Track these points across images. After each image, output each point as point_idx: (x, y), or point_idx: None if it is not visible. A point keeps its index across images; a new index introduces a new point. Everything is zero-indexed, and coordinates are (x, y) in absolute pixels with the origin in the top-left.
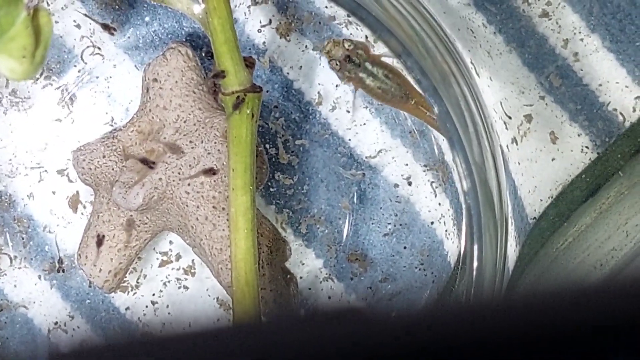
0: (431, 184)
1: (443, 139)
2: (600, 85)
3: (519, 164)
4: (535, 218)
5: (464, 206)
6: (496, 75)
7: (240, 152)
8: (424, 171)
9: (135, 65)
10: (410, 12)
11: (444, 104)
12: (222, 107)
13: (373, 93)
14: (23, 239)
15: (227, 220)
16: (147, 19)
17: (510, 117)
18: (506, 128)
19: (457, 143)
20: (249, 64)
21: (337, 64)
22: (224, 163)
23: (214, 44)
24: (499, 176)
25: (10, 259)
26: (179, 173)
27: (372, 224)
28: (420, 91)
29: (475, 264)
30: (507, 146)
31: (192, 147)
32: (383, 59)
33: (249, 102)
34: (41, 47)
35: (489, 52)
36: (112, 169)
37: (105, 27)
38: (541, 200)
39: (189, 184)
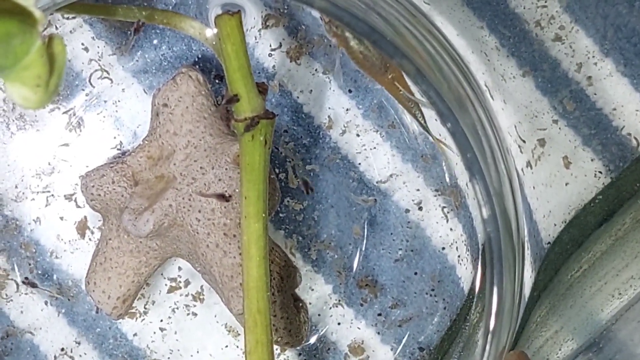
0: (442, 209)
1: (457, 163)
2: (614, 109)
3: (533, 188)
4: (549, 243)
5: (483, 234)
6: (510, 99)
7: (252, 180)
8: (435, 196)
9: (144, 89)
10: (424, 34)
11: (462, 130)
12: (233, 133)
13: (354, 56)
14: (30, 264)
15: (239, 247)
16: (155, 42)
17: (524, 141)
18: (521, 152)
19: (476, 171)
20: (261, 89)
21: (327, 17)
22: (235, 189)
23: (227, 70)
24: (515, 201)
25: (17, 284)
26: (189, 200)
27: (383, 249)
28: (436, 113)
29: (495, 291)
30: (522, 170)
31: (203, 173)
32: None
33: (262, 128)
34: (55, 76)
35: (503, 76)
36: (122, 195)
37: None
38: (555, 225)
39: (199, 211)
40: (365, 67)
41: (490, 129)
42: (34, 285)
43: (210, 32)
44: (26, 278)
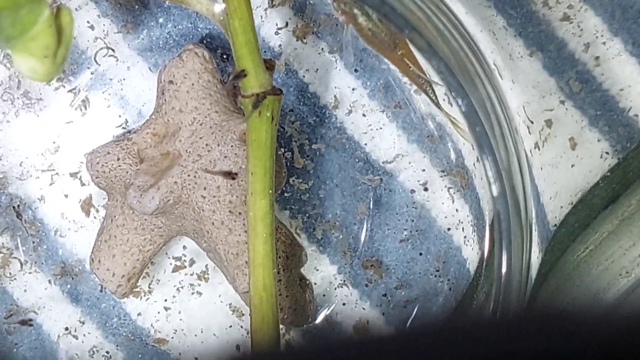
0: (448, 190)
1: (464, 143)
2: (621, 90)
3: (541, 169)
4: (556, 225)
5: (492, 212)
6: (518, 79)
7: (259, 156)
8: (441, 177)
9: (149, 67)
10: (434, 11)
11: (472, 106)
12: (239, 110)
13: (362, 33)
14: (34, 243)
15: (244, 224)
16: (161, 20)
17: (532, 122)
18: (529, 132)
19: (486, 147)
20: (269, 66)
21: None
22: (241, 167)
23: (234, 46)
24: (524, 181)
25: (21, 263)
26: (195, 177)
27: (388, 230)
28: (446, 88)
29: (503, 270)
30: (530, 151)
31: (209, 150)
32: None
33: (269, 104)
34: (63, 47)
35: (511, 55)
36: (127, 172)
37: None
38: (562, 207)
39: (204, 188)
40: (374, 44)
41: (499, 107)
42: (19, 216)
43: (217, 7)
44: (14, 207)
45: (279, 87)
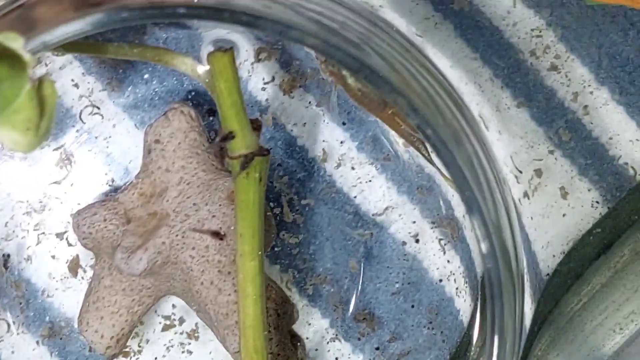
0: (439, 241)
1: (453, 195)
2: (610, 138)
3: (531, 218)
4: (548, 274)
5: (481, 268)
6: (505, 129)
7: (247, 217)
8: (432, 228)
9: (135, 124)
10: (417, 68)
11: (459, 167)
12: (227, 169)
13: (352, 94)
14: (21, 303)
15: (233, 284)
16: (146, 76)
17: (520, 172)
18: (517, 182)
19: (474, 206)
20: (255, 126)
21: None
22: (230, 226)
23: (220, 107)
24: (513, 232)
25: (8, 324)
26: (182, 237)
27: (379, 282)
28: (429, 147)
29: (496, 324)
30: (520, 200)
31: (197, 210)
32: None
33: (257, 165)
34: (46, 119)
35: (497, 106)
36: (114, 233)
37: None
38: (554, 256)
39: (193, 248)
40: (363, 104)
41: (485, 160)
42: (6, 267)
43: (202, 68)
44: (3, 255)
45: (267, 141)
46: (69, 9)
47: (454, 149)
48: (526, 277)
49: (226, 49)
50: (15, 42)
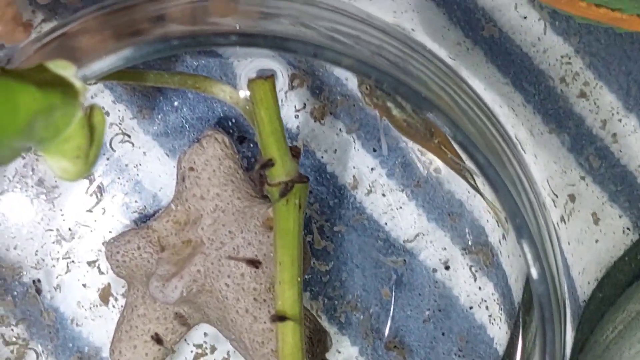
0: (470, 268)
1: (488, 220)
2: (639, 166)
3: (569, 244)
4: (585, 301)
5: (521, 290)
6: (540, 154)
7: (287, 245)
8: (463, 255)
9: (165, 152)
10: (454, 89)
11: (506, 189)
12: (262, 196)
13: (397, 125)
14: (50, 332)
15: (269, 312)
16: (176, 104)
17: (557, 196)
18: (555, 206)
19: (524, 230)
20: (295, 153)
21: (367, 88)
22: (265, 254)
23: (260, 135)
24: (556, 258)
25: (37, 354)
26: (218, 265)
27: (410, 310)
28: (475, 169)
29: (547, 353)
30: (557, 224)
31: (232, 238)
32: None
33: (296, 192)
34: (94, 147)
35: (531, 131)
36: (148, 261)
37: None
38: (589, 282)
39: (228, 276)
40: (409, 135)
41: (527, 184)
42: (38, 292)
43: (242, 95)
44: (34, 281)
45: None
46: (110, 39)
47: (501, 172)
48: (567, 303)
49: (267, 76)
50: (67, 70)
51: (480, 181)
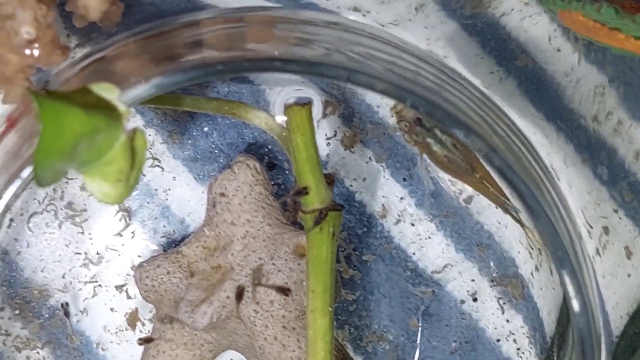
0: (498, 300)
1: (519, 252)
2: None
3: (603, 277)
4: (617, 336)
5: (553, 323)
6: (574, 184)
7: (320, 272)
8: (491, 286)
9: (195, 177)
10: (489, 114)
11: (548, 219)
12: (292, 223)
13: (438, 161)
14: (75, 356)
15: (298, 340)
16: (206, 129)
17: (591, 227)
18: (590, 237)
19: (566, 261)
20: (329, 181)
21: (406, 125)
22: (295, 281)
23: (295, 162)
24: (592, 291)
25: None
26: (247, 291)
27: (437, 341)
28: (514, 197)
29: None
30: (592, 257)
31: (262, 264)
32: None
33: (330, 220)
34: (135, 170)
35: (564, 160)
36: (177, 286)
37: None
38: (621, 317)
39: (257, 303)
40: (450, 170)
41: (564, 212)
42: (67, 314)
43: (277, 123)
44: (62, 305)
45: None
46: (148, 63)
47: (540, 200)
48: (602, 338)
49: (304, 103)
50: (111, 93)
51: (522, 215)
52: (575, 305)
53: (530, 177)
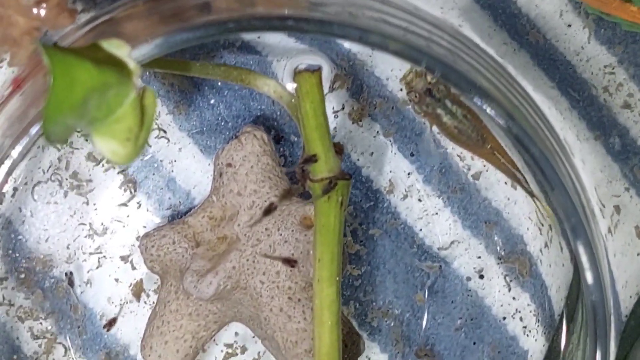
0: (505, 277)
1: (528, 228)
2: None
3: (614, 256)
4: (626, 316)
5: (562, 301)
6: (587, 160)
7: (327, 242)
8: (498, 264)
9: (200, 149)
10: (504, 84)
11: (563, 187)
12: (298, 194)
13: (448, 132)
14: (79, 327)
15: (303, 311)
16: (212, 101)
17: (604, 205)
18: (602, 216)
19: (580, 232)
20: (338, 150)
21: (416, 96)
22: (301, 252)
23: (304, 129)
24: (603, 268)
25: (65, 348)
26: (253, 262)
27: (442, 318)
28: (531, 164)
29: None
30: (605, 236)
31: (268, 235)
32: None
33: (339, 189)
34: (144, 130)
35: (577, 136)
36: (183, 256)
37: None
38: (630, 296)
39: (263, 273)
40: (461, 142)
41: (579, 187)
42: (71, 284)
43: (286, 91)
44: (66, 274)
45: None
46: (157, 24)
47: (557, 171)
48: (612, 317)
49: (314, 70)
50: (122, 50)
51: (534, 186)
52: (589, 277)
53: (546, 148)
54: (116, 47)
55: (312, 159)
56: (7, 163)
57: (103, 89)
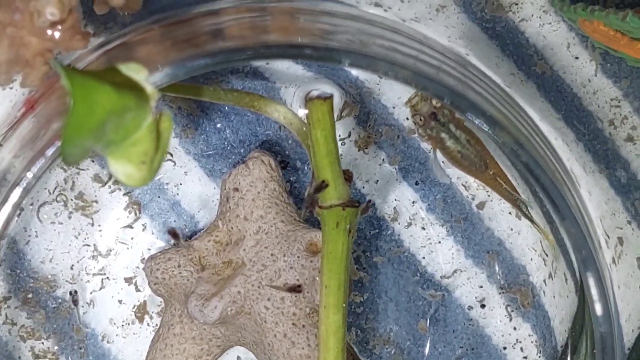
0: (506, 307)
1: (532, 259)
2: None
3: (618, 288)
4: (629, 349)
5: (567, 332)
6: (592, 191)
7: (334, 269)
8: (500, 294)
9: (206, 173)
10: (512, 113)
11: (572, 217)
12: (305, 220)
13: (451, 156)
14: (81, 348)
15: (307, 338)
16: (219, 125)
17: (608, 236)
18: (607, 247)
19: (590, 263)
20: (347, 177)
21: (420, 119)
22: (307, 278)
23: (314, 156)
24: (611, 300)
25: None
26: (258, 287)
27: (443, 346)
28: (527, 195)
29: None
30: (610, 266)
31: (274, 261)
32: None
33: (347, 217)
34: (159, 153)
35: (584, 168)
36: (187, 280)
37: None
38: (632, 330)
39: (268, 299)
40: (463, 167)
41: (586, 217)
42: (75, 303)
43: (296, 117)
44: (70, 292)
45: None
46: (170, 49)
47: (566, 200)
48: (617, 350)
49: (326, 97)
50: (139, 74)
51: (534, 213)
52: (598, 309)
53: (555, 178)
54: (134, 71)
55: (323, 185)
56: (23, 184)
57: (121, 113)
